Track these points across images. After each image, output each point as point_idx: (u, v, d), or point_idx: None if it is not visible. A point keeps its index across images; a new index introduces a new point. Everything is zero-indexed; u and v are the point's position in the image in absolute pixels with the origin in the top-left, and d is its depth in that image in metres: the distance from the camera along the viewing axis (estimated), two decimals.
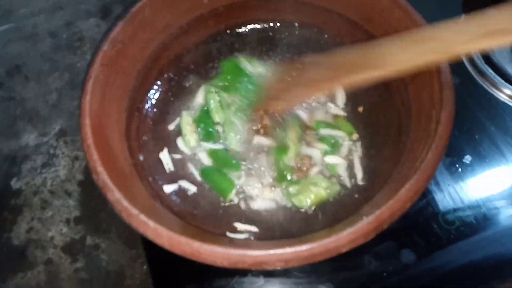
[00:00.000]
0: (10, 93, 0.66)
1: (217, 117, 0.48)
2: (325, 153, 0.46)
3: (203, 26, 0.49)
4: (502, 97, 0.57)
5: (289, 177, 0.45)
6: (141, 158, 0.43)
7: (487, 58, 0.59)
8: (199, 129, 0.47)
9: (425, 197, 0.51)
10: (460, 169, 0.53)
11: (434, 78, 0.35)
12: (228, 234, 0.40)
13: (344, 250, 0.30)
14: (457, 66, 0.60)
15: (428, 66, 0.36)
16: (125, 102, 0.42)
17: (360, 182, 0.45)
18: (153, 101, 0.48)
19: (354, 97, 0.49)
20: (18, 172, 0.59)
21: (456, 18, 0.61)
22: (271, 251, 0.30)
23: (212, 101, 0.48)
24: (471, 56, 0.60)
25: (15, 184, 0.58)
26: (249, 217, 0.42)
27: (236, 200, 0.44)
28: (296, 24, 0.51)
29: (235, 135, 0.46)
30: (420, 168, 0.31)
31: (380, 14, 0.42)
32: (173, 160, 0.47)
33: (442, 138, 0.32)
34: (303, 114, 0.48)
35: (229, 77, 0.50)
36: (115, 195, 0.33)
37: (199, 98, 0.50)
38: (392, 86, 0.43)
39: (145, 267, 0.51)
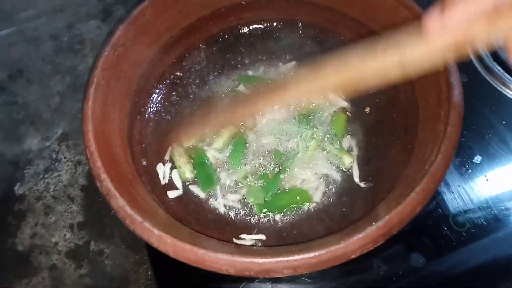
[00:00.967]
0: (12, 97, 0.66)
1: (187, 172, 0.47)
2: None
3: (205, 27, 0.48)
4: (511, 94, 0.56)
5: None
6: (144, 163, 0.43)
7: (495, 55, 0.58)
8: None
9: (435, 198, 0.50)
10: (470, 170, 0.52)
11: (442, 78, 0.35)
12: (235, 240, 0.40)
13: (353, 256, 0.30)
14: (464, 64, 0.60)
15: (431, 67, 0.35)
16: (127, 106, 0.42)
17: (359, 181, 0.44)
18: (156, 105, 0.48)
19: (360, 97, 0.49)
20: (21, 177, 0.59)
21: None
22: (279, 259, 0.29)
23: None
24: (479, 54, 0.59)
25: (18, 189, 0.58)
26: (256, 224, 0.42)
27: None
28: (299, 24, 0.50)
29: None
30: (429, 171, 0.30)
31: (385, 13, 0.41)
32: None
33: (452, 140, 0.31)
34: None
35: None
36: (119, 202, 0.32)
37: None
38: (399, 86, 0.42)
39: (149, 272, 0.51)
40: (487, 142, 0.53)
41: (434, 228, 0.48)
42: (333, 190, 0.45)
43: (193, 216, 0.41)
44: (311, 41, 0.51)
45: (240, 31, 0.51)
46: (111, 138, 0.38)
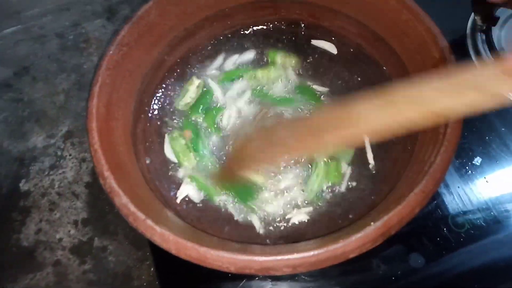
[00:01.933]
0: (18, 94, 0.67)
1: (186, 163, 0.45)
2: None
3: (209, 27, 0.49)
4: None
5: None
6: (147, 161, 0.43)
7: (497, 54, 0.58)
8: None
9: (434, 200, 0.50)
10: (470, 171, 0.52)
11: None
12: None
13: (352, 255, 0.30)
14: (466, 65, 0.60)
15: (436, 67, 0.36)
16: (131, 105, 0.42)
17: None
18: (159, 104, 0.48)
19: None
20: (27, 174, 0.59)
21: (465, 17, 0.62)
22: (278, 257, 0.30)
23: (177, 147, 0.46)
24: (480, 55, 0.60)
25: (23, 185, 0.59)
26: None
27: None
28: (303, 25, 0.50)
29: None
30: (428, 173, 0.31)
31: (388, 16, 0.42)
32: None
33: (451, 142, 0.32)
34: None
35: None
36: (122, 200, 0.33)
37: None
38: None
39: (152, 269, 0.52)
40: (488, 144, 0.54)
41: (434, 229, 0.49)
42: (336, 190, 0.45)
43: (195, 214, 0.41)
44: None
45: (244, 32, 0.52)
46: (116, 136, 0.38)
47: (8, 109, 0.65)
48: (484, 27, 0.61)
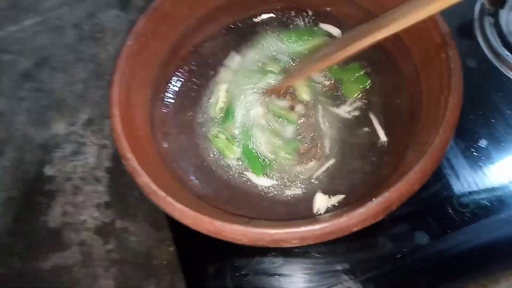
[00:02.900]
0: (38, 84, 0.69)
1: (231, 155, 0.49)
2: None
3: (221, 16, 0.51)
4: None
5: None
6: (165, 145, 0.46)
7: (505, 40, 0.59)
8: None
9: (440, 180, 0.51)
10: (475, 153, 0.53)
11: (444, 65, 0.36)
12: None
13: (355, 229, 0.32)
14: (473, 49, 0.61)
15: (438, 52, 0.37)
16: (149, 92, 0.45)
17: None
18: (175, 91, 0.51)
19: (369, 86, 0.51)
20: (50, 160, 0.62)
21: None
22: (288, 229, 0.32)
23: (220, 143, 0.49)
24: (488, 38, 0.60)
25: (48, 171, 0.61)
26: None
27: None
28: (310, 12, 0.52)
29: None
30: (428, 152, 0.32)
31: (393, 2, 0.43)
32: None
33: (450, 123, 0.33)
34: None
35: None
36: (144, 179, 0.35)
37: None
38: (405, 73, 0.44)
39: (170, 248, 0.54)
40: (493, 127, 0.54)
41: (439, 208, 0.50)
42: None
43: (210, 194, 0.44)
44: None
45: (255, 20, 0.53)
46: (135, 122, 0.41)
47: (30, 99, 0.68)
48: (492, 11, 0.61)
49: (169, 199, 0.34)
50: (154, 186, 0.35)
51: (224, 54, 0.53)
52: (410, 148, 0.40)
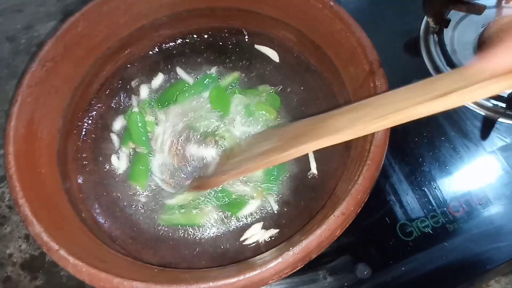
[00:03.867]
0: None
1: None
2: None
3: (146, 37, 0.47)
4: None
5: None
6: (80, 180, 0.42)
7: (448, 58, 0.58)
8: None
9: (382, 208, 0.50)
10: (419, 178, 0.52)
11: (372, 94, 0.34)
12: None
13: (271, 282, 0.29)
14: (419, 67, 0.59)
15: (367, 80, 0.35)
16: (58, 122, 0.40)
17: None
18: (95, 118, 0.46)
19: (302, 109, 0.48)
20: None
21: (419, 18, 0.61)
22: (194, 286, 0.29)
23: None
24: (432, 56, 0.59)
25: None
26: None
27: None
28: (245, 32, 0.49)
29: None
30: (350, 193, 0.30)
31: (323, 25, 0.41)
32: None
33: (375, 161, 0.31)
34: None
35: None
36: (36, 229, 0.31)
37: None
38: (339, 99, 0.42)
39: None
40: (437, 149, 0.53)
41: (381, 238, 0.48)
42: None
43: (127, 234, 0.40)
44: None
45: (185, 40, 0.50)
46: (37, 158, 0.36)
47: None
48: (437, 29, 0.60)
49: (62, 253, 0.30)
50: (46, 237, 0.30)
51: (151, 76, 0.49)
52: (342, 181, 0.37)
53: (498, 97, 0.54)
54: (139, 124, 0.45)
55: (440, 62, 0.58)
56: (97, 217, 0.40)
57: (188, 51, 0.50)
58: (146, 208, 0.44)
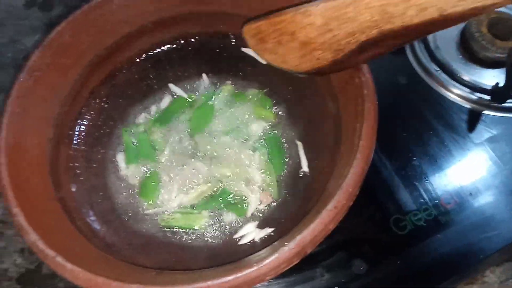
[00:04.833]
0: None
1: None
2: None
3: (133, 44, 0.47)
4: (449, 95, 0.57)
5: None
6: (73, 188, 0.42)
7: (432, 55, 0.59)
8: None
9: (375, 203, 0.50)
10: (409, 172, 0.52)
11: (357, 90, 0.35)
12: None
13: (268, 278, 0.29)
14: (404, 65, 0.60)
15: (352, 76, 0.36)
16: (48, 132, 0.40)
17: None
18: (86, 126, 0.46)
19: (291, 108, 0.49)
20: None
21: None
22: (191, 286, 0.29)
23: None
24: (417, 54, 0.60)
25: None
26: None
27: None
28: (231, 36, 0.50)
29: None
30: (341, 187, 0.30)
31: None
32: None
33: (364, 154, 0.31)
34: None
35: None
36: (31, 237, 0.31)
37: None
38: (327, 98, 0.42)
39: None
40: (425, 143, 0.54)
41: (375, 233, 0.49)
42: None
43: (124, 241, 0.40)
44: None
45: (173, 46, 0.50)
46: (28, 168, 0.36)
47: None
48: None
49: (59, 260, 0.30)
50: (41, 245, 0.30)
51: (141, 82, 0.49)
52: (333, 177, 0.37)
53: (482, 90, 0.56)
54: (145, 142, 0.47)
55: (425, 59, 0.59)
56: (92, 224, 0.40)
57: (176, 56, 0.51)
58: (143, 213, 0.44)
